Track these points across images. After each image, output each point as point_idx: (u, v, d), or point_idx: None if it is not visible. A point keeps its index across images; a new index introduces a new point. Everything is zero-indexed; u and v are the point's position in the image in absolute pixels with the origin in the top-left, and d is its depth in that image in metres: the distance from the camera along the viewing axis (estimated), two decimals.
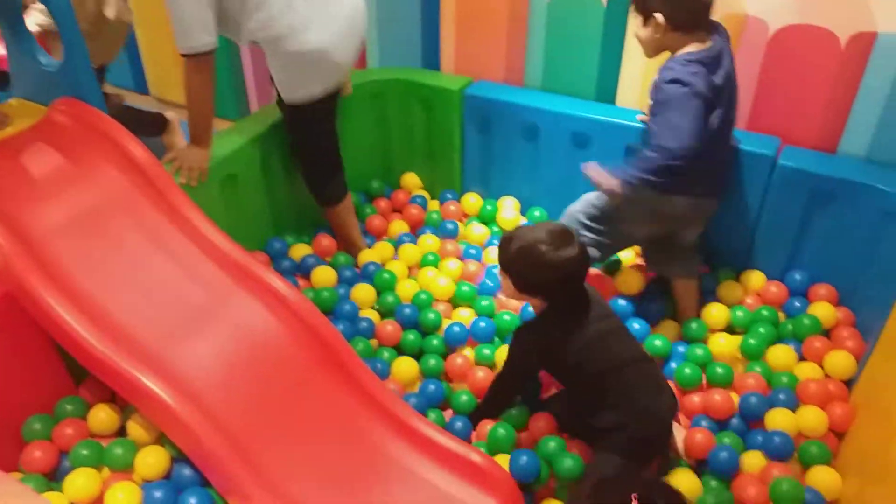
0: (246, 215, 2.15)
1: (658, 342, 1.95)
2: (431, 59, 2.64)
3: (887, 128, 1.90)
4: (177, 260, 1.74)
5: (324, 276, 2.19)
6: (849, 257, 1.98)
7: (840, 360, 1.83)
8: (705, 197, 1.89)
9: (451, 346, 2.03)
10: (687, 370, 1.85)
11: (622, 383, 1.59)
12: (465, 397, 1.85)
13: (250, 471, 1.47)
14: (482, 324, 2.02)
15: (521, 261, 1.58)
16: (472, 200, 2.54)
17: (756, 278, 2.14)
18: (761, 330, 1.97)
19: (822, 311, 1.97)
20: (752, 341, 1.93)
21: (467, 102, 2.41)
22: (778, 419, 1.69)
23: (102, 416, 1.65)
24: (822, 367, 1.86)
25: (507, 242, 1.61)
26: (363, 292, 2.16)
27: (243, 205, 2.13)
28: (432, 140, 2.57)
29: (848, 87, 1.95)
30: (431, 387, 1.88)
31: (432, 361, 1.95)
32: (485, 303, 2.12)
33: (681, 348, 1.97)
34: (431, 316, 2.07)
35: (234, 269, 1.75)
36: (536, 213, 2.45)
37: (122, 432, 1.66)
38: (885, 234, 1.86)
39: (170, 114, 2.81)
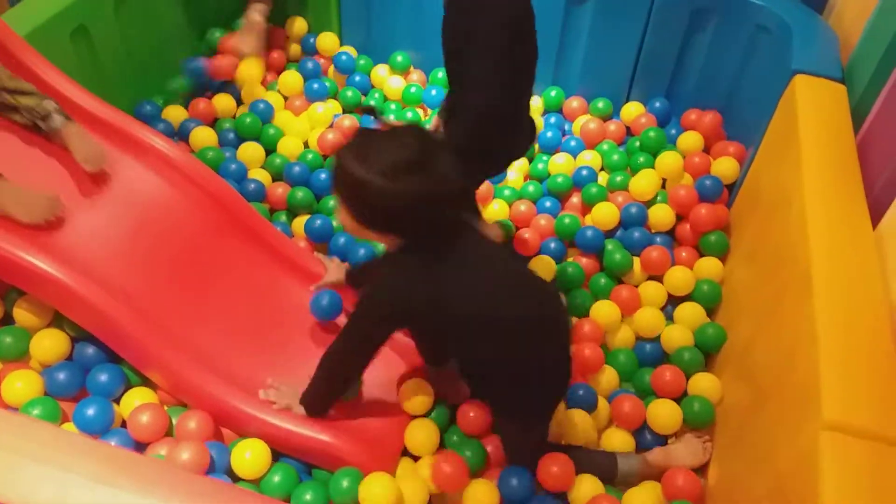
0: (104, 74, 1.91)
1: None
2: None
3: None
4: None
5: (203, 137, 2.04)
6: (723, 76, 2.06)
7: (723, 165, 1.96)
8: None
9: None
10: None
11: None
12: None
13: (165, 338, 1.41)
14: None
15: (351, 190, 1.13)
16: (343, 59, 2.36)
17: (635, 109, 2.21)
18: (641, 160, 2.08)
19: (692, 139, 2.07)
20: (615, 157, 2.09)
21: None
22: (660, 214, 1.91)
23: None
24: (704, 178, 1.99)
25: (337, 161, 1.14)
26: (251, 151, 2.05)
27: (100, 62, 1.88)
28: None
29: None
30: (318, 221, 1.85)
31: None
32: None
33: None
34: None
35: (111, 133, 1.59)
36: (440, 75, 2.33)
37: (7, 320, 1.53)
38: (758, 48, 1.95)
39: None
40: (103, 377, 1.44)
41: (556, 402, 1.41)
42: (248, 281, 1.61)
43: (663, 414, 1.51)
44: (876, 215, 1.31)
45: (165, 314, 1.46)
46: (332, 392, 1.38)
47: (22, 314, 1.49)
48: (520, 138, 1.62)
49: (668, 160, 1.99)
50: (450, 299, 1.19)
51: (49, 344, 1.47)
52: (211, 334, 1.49)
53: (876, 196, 1.37)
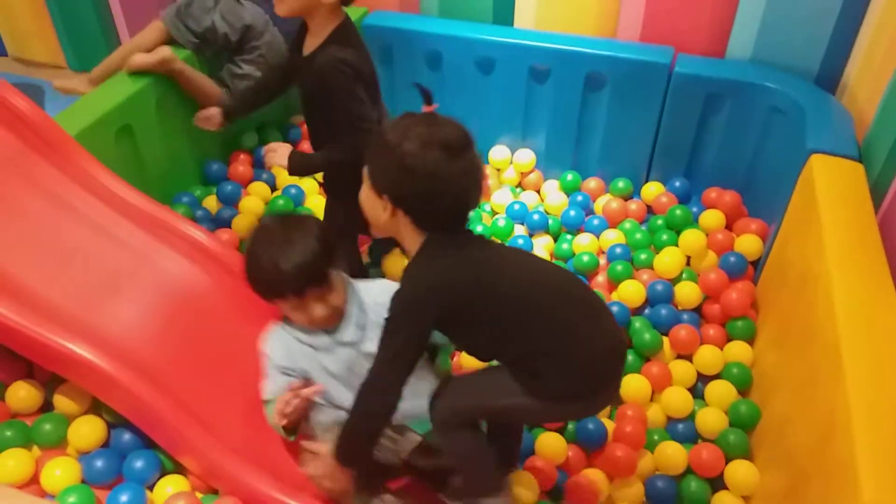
0: (146, 169, 2.02)
1: None
2: None
3: (768, 30, 2.02)
4: (86, 220, 1.63)
5: (244, 224, 2.12)
6: (741, 156, 2.11)
7: (747, 242, 1.98)
8: None
9: None
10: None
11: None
12: None
13: (198, 425, 1.43)
14: None
15: (379, 152, 1.15)
16: None
17: (656, 188, 2.26)
18: (664, 237, 2.08)
19: (714, 217, 2.09)
20: (638, 235, 2.10)
21: (366, 33, 2.34)
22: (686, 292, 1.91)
23: (22, 394, 1.55)
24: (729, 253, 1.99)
25: (378, 130, 1.22)
26: None
27: (142, 157, 1.99)
28: None
29: None
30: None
31: None
32: None
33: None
34: None
35: (149, 224, 1.66)
36: None
37: (47, 407, 1.57)
38: (773, 129, 2.00)
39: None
40: (139, 463, 1.46)
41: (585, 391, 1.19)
42: None
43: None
44: None
45: (199, 400, 1.48)
46: (375, 418, 1.22)
47: (61, 400, 1.53)
48: None
49: (692, 238, 2.01)
50: (488, 277, 1.16)
51: (87, 430, 1.49)
52: (245, 420, 1.51)
53: None
